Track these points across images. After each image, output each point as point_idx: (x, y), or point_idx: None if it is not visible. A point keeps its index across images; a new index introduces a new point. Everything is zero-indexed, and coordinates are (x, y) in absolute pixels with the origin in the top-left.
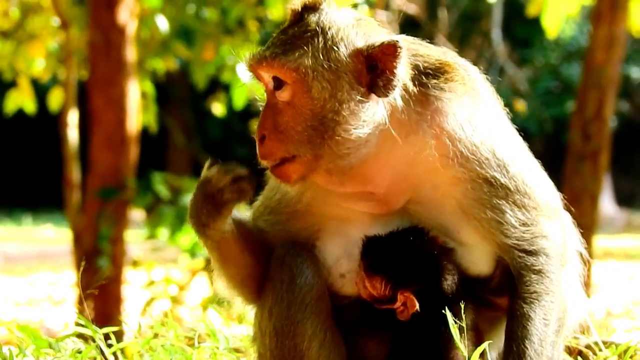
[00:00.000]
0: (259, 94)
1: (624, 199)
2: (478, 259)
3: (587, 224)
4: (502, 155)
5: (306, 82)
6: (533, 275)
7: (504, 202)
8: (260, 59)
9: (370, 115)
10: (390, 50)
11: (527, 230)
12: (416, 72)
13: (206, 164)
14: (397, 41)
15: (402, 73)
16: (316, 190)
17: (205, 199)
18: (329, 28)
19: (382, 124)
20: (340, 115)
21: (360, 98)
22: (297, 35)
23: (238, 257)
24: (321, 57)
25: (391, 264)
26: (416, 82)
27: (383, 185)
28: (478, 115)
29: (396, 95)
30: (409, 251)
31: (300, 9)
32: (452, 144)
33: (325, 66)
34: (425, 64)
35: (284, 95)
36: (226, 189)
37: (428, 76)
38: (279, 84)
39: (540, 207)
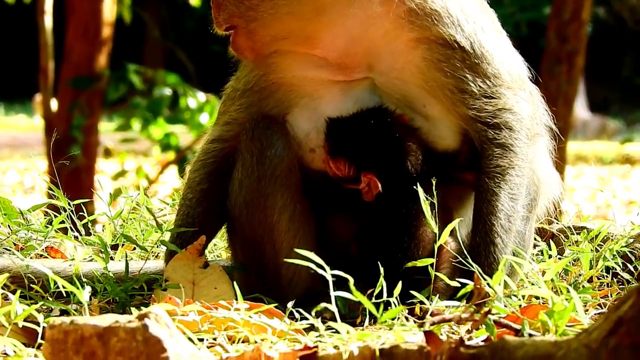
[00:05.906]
0: None
1: (597, 105)
2: (444, 133)
3: (561, 126)
4: (455, 13)
5: None
6: (496, 149)
7: (462, 65)
8: None
9: None
10: None
11: (489, 102)
12: None
13: None
14: None
15: None
16: (283, 62)
17: None
18: None
19: None
20: None
21: None
22: None
23: None
24: None
25: (353, 147)
26: None
27: (335, 49)
28: None
29: None
30: (371, 133)
31: None
32: (402, 3)
33: None
34: None
35: None
36: None
37: None
38: None
39: (502, 77)
